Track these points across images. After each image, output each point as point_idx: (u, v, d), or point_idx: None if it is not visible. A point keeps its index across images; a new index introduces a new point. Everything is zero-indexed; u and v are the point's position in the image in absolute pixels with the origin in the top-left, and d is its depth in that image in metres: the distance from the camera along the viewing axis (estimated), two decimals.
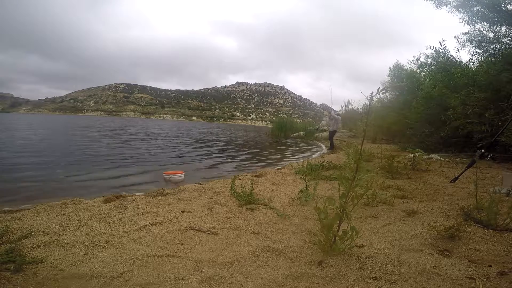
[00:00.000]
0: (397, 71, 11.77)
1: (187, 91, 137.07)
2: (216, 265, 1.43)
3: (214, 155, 7.54)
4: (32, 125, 18.79)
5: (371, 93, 1.30)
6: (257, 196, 2.64)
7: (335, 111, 10.86)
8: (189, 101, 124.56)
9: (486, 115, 4.71)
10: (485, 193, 2.44)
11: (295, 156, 8.11)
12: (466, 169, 2.66)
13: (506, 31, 5.84)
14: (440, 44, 6.70)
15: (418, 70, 9.84)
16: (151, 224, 1.97)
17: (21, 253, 1.43)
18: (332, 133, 9.23)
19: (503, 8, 5.55)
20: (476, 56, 6.30)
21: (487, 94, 4.93)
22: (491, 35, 6.03)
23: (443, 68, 6.72)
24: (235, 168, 5.71)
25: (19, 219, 1.97)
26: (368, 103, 1.33)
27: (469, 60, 6.42)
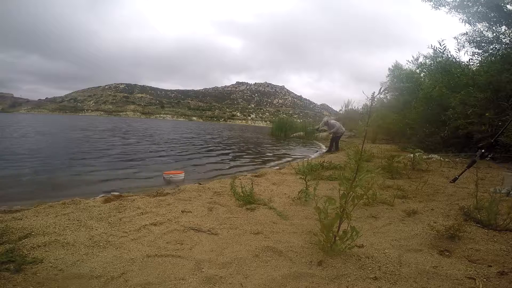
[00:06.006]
0: (397, 72, 11.78)
1: (187, 91, 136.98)
2: (216, 265, 1.43)
3: (215, 155, 7.54)
4: (33, 125, 18.77)
5: (373, 93, 1.30)
6: (257, 196, 2.64)
7: (329, 117, 10.66)
8: (189, 101, 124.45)
9: (486, 115, 4.70)
10: (485, 193, 2.44)
11: (295, 156, 8.11)
12: (466, 169, 2.66)
13: (505, 31, 5.82)
14: (440, 44, 6.68)
15: (417, 70, 9.84)
16: (151, 224, 1.97)
17: (21, 253, 1.43)
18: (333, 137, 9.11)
19: (502, 7, 5.54)
20: (476, 56, 6.28)
21: (487, 94, 4.92)
22: (490, 35, 6.01)
23: (443, 68, 6.71)
24: (235, 168, 5.71)
25: (19, 219, 1.97)
26: (369, 103, 1.33)
27: (469, 60, 6.40)
